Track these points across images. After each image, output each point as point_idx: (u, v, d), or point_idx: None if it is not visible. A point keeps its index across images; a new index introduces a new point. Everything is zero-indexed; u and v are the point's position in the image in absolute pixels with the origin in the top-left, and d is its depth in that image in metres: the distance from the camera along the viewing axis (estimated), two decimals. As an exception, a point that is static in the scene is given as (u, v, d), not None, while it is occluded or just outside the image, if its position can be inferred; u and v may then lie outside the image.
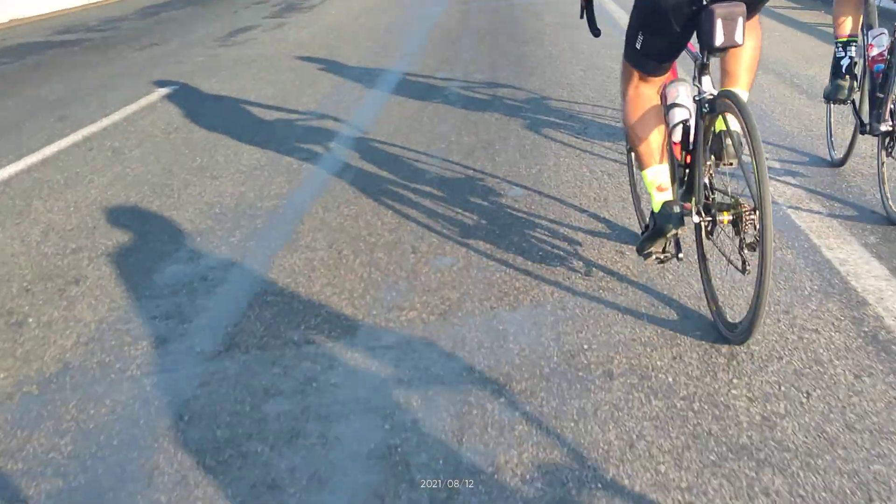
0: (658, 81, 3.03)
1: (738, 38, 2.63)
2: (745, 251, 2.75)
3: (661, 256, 3.10)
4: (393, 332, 3.18)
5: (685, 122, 3.00)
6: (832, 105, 4.43)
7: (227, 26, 12.28)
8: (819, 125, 5.14)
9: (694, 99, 2.92)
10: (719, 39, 2.61)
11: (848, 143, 4.46)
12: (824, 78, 4.44)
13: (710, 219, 2.85)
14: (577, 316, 3.20)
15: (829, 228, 3.84)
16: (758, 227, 2.63)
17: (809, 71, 6.86)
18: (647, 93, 3.01)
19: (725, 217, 2.79)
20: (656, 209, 3.00)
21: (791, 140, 5.12)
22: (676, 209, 2.94)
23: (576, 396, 2.71)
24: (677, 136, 3.03)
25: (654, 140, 2.97)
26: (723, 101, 2.74)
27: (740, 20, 2.61)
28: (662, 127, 3.00)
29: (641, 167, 3.04)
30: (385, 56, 8.92)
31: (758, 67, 3.13)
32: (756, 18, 3.04)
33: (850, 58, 4.11)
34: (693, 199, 2.92)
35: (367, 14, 12.51)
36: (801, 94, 6.21)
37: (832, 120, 4.68)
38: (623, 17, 11.62)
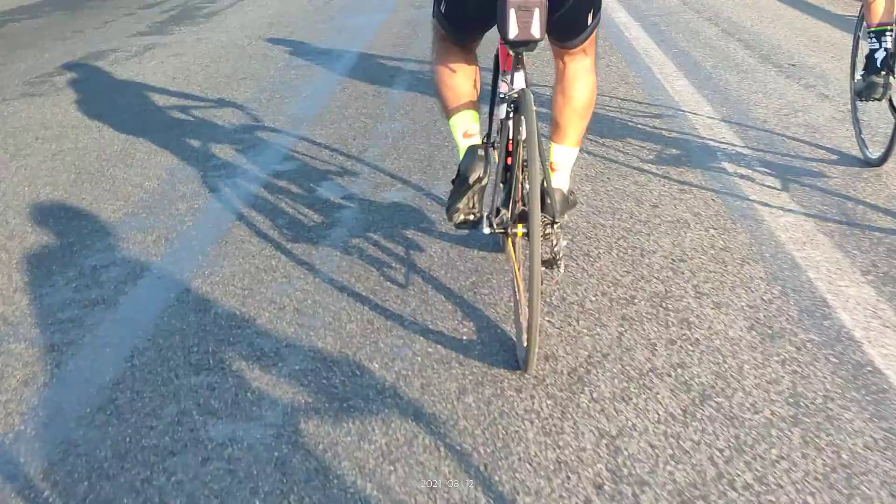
0: (470, 47, 2.80)
1: (535, 31, 2.36)
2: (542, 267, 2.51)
3: (469, 216, 2.74)
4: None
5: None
6: (862, 102, 3.92)
7: (71, 52, 8.02)
8: (844, 121, 4.57)
9: (499, 96, 2.66)
10: (513, 31, 2.35)
11: (889, 140, 3.87)
12: (843, 68, 3.92)
13: (501, 231, 2.65)
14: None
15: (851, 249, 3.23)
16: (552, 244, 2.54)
17: (814, 59, 6.18)
18: (454, 56, 2.77)
19: (519, 230, 2.57)
20: (461, 156, 2.74)
21: (817, 134, 4.56)
22: (481, 152, 2.66)
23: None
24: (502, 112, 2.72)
25: (461, 85, 2.74)
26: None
27: (537, 12, 2.33)
28: (472, 73, 2.77)
29: (446, 115, 2.81)
30: (260, 129, 5.28)
31: (587, 122, 2.79)
32: (589, 61, 2.73)
33: (886, 49, 3.65)
34: (507, 207, 2.67)
35: (279, 27, 8.62)
36: (818, 85, 5.54)
37: (859, 115, 4.15)
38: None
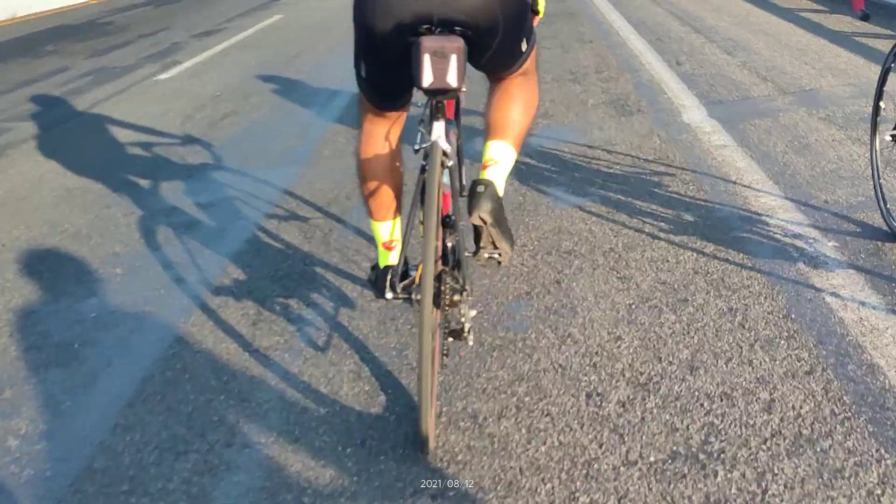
0: (394, 117, 2.50)
1: (452, 79, 2.13)
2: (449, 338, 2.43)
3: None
4: None
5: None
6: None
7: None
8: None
9: (413, 149, 2.34)
10: (427, 79, 2.13)
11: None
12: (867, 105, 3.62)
13: (405, 296, 2.38)
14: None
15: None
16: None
17: (844, 93, 5.60)
18: (379, 129, 2.50)
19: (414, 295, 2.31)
20: (379, 263, 2.61)
21: (834, 196, 3.88)
22: (390, 294, 2.38)
23: None
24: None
25: (385, 189, 2.51)
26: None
27: (454, 58, 2.12)
28: (397, 173, 2.54)
29: (367, 213, 2.60)
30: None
31: (528, 130, 2.53)
32: (529, 75, 2.50)
33: None
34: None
35: (246, 90, 6.92)
36: (839, 127, 4.89)
37: (880, 174, 3.52)
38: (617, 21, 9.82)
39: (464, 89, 2.19)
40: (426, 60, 2.11)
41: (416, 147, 2.30)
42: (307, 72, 7.51)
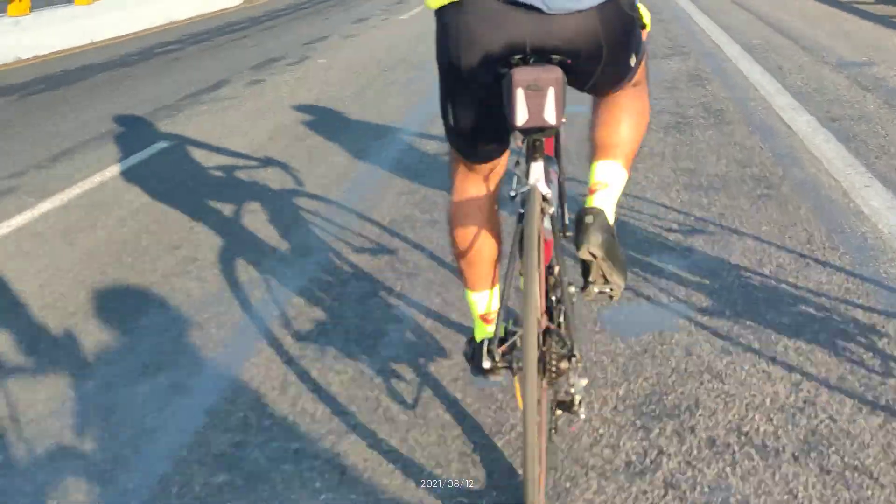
0: (488, 170, 2.22)
1: (550, 115, 1.89)
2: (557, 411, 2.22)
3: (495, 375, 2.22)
4: None
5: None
6: None
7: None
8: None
9: (509, 195, 2.10)
10: (521, 117, 1.89)
11: None
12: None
13: (505, 366, 2.06)
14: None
15: None
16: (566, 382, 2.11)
17: None
18: (473, 187, 2.24)
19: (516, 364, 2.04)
20: (475, 336, 2.33)
21: None
22: (488, 363, 2.07)
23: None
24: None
25: (480, 255, 2.25)
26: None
27: (551, 93, 1.87)
28: (496, 236, 2.27)
29: (462, 282, 2.35)
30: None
31: (639, 146, 2.26)
32: (641, 87, 2.24)
33: None
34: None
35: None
36: None
37: None
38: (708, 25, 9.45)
39: (563, 120, 1.95)
40: (519, 95, 1.88)
41: (513, 192, 2.06)
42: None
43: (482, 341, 2.20)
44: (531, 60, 1.91)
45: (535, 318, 1.89)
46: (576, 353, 2.03)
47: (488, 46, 1.90)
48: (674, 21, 9.92)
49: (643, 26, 2.36)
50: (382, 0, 14.77)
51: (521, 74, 1.86)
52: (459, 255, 2.27)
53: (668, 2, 11.56)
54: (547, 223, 2.14)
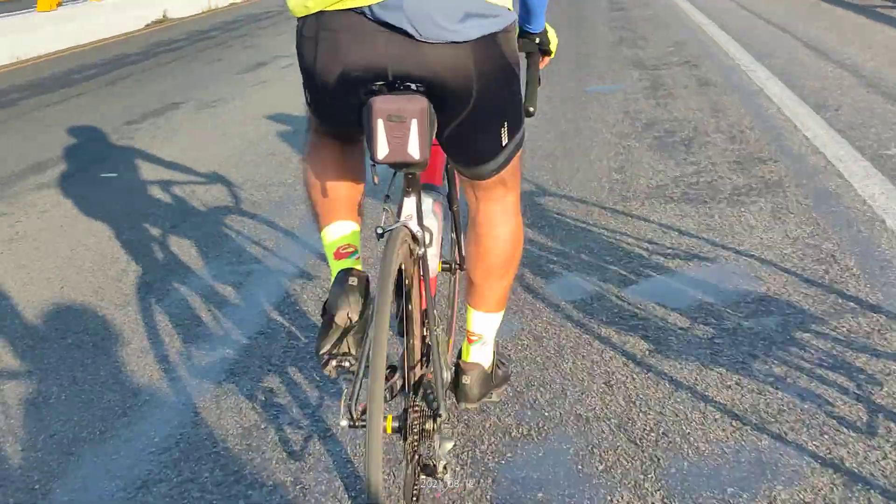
0: (350, 140, 2.07)
1: (414, 149, 1.72)
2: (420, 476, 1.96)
3: (343, 362, 1.91)
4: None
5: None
6: None
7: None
8: None
9: (376, 232, 1.86)
10: (382, 151, 1.73)
11: None
12: None
13: (363, 425, 1.74)
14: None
15: None
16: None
17: None
18: (331, 139, 2.07)
19: (389, 422, 1.81)
20: (332, 279, 2.02)
21: None
22: (353, 281, 1.88)
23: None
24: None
25: (336, 185, 2.06)
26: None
27: (414, 125, 1.70)
28: (353, 168, 2.07)
29: (316, 224, 2.14)
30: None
31: (513, 277, 2.17)
32: (511, 199, 2.08)
33: None
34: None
35: None
36: None
37: None
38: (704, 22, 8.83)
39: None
40: (380, 126, 1.72)
41: (380, 230, 1.85)
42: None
43: (339, 274, 1.94)
44: (397, 86, 1.75)
45: (381, 378, 1.67)
46: (441, 412, 1.89)
47: (347, 67, 1.78)
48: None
49: (548, 52, 2.24)
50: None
51: (382, 104, 1.72)
52: (314, 186, 2.10)
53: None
54: (429, 261, 2.03)
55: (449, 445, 1.98)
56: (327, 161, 2.06)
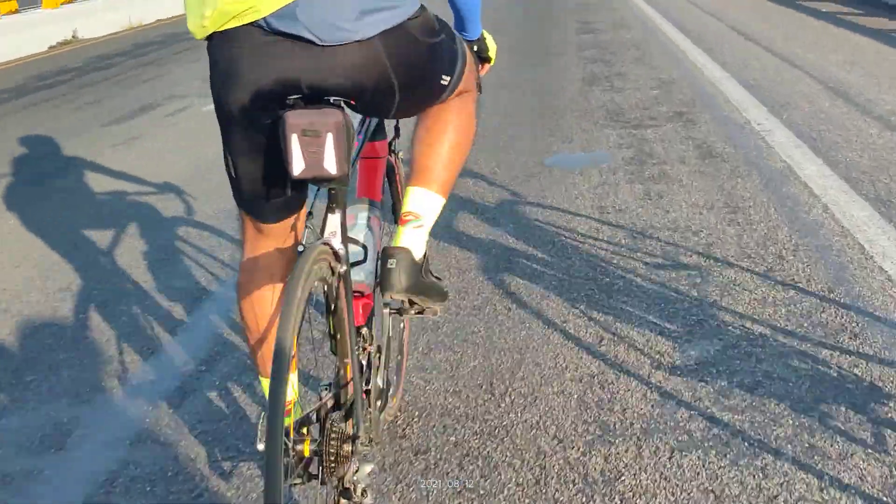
0: (282, 230, 1.98)
1: (330, 164, 1.71)
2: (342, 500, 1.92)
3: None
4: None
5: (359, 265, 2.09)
6: None
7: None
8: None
9: (298, 250, 1.93)
10: (297, 166, 1.71)
11: None
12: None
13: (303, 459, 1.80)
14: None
15: None
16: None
17: None
18: (265, 252, 2.00)
19: (306, 445, 1.79)
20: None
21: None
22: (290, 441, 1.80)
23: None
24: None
25: (274, 333, 1.83)
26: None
27: (330, 139, 1.69)
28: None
29: (255, 369, 2.17)
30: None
31: (461, 166, 2.09)
32: (468, 98, 2.08)
33: None
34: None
35: None
36: None
37: None
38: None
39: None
40: (294, 142, 1.71)
41: (300, 247, 1.87)
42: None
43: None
44: (307, 101, 1.73)
45: (281, 402, 1.56)
46: (360, 433, 1.90)
47: (258, 85, 1.72)
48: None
49: (487, 59, 2.26)
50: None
51: (295, 118, 1.70)
52: (250, 332, 2.06)
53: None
54: (363, 277, 2.08)
55: (368, 469, 1.94)
56: (265, 296, 1.98)
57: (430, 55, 1.87)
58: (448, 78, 1.95)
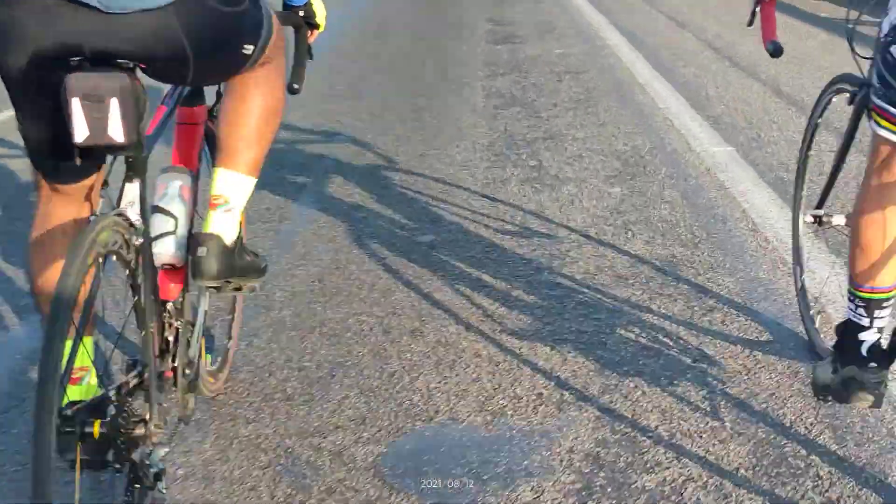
0: (79, 191, 1.93)
1: (116, 131, 1.67)
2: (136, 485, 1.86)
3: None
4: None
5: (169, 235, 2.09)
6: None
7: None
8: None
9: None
10: (80, 133, 1.66)
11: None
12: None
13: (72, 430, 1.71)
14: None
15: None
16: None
17: None
18: (59, 213, 1.95)
19: (96, 426, 1.70)
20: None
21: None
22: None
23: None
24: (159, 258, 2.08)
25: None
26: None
27: (114, 103, 1.64)
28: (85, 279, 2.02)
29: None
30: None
31: (270, 142, 2.14)
32: (271, 67, 2.08)
33: (879, 333, 2.21)
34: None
35: None
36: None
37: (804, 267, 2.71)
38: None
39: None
40: (76, 106, 1.64)
41: (92, 217, 1.82)
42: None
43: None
44: (92, 65, 1.69)
45: (57, 373, 1.52)
46: (154, 416, 1.83)
47: (39, 47, 1.70)
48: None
49: (315, 26, 2.23)
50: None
51: (77, 81, 1.64)
52: (41, 296, 1.94)
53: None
54: (175, 249, 2.02)
55: (162, 452, 1.88)
56: (59, 251, 1.84)
57: (231, 24, 1.86)
58: (251, 47, 1.95)
